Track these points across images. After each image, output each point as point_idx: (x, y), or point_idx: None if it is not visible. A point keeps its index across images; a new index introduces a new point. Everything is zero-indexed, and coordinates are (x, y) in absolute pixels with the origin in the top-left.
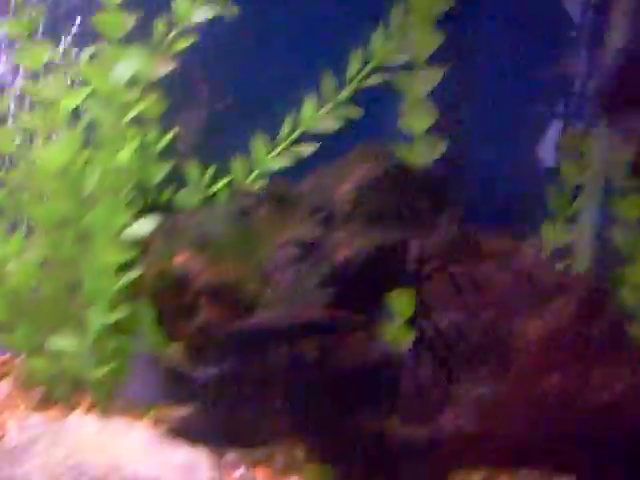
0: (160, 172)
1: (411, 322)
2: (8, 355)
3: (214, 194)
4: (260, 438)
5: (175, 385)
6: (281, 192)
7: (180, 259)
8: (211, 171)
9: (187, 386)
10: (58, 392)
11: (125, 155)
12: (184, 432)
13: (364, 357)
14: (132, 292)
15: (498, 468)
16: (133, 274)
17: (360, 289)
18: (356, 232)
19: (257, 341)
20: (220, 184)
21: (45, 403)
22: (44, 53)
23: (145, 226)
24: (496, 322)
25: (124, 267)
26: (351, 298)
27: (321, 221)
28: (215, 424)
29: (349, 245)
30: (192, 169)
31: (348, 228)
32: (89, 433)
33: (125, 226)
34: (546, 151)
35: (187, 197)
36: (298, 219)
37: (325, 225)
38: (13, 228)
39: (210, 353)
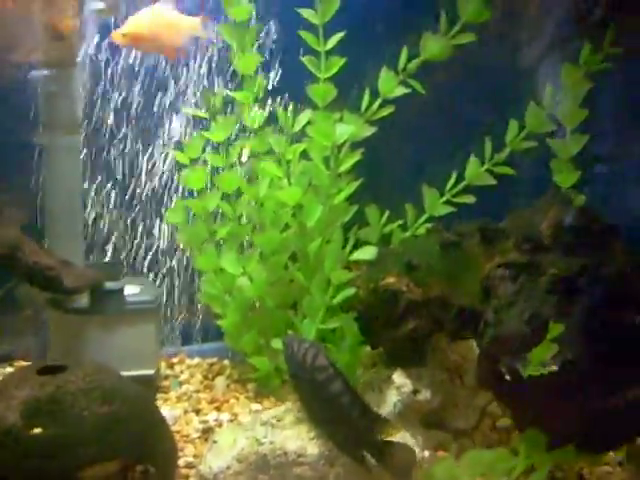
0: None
1: None
2: (215, 358)
3: (390, 233)
4: None
5: None
6: (488, 228)
7: (390, 280)
8: (386, 214)
9: None
10: (270, 386)
11: (341, 198)
12: None
13: None
14: (342, 307)
15: None
16: (348, 292)
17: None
18: (556, 259)
19: None
20: (394, 225)
21: (258, 395)
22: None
23: (370, 252)
24: None
25: (338, 287)
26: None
27: (528, 250)
28: None
29: (556, 267)
30: (372, 212)
31: (549, 256)
32: None
33: (349, 252)
34: None
35: (368, 234)
36: (508, 248)
37: (531, 253)
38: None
39: None
